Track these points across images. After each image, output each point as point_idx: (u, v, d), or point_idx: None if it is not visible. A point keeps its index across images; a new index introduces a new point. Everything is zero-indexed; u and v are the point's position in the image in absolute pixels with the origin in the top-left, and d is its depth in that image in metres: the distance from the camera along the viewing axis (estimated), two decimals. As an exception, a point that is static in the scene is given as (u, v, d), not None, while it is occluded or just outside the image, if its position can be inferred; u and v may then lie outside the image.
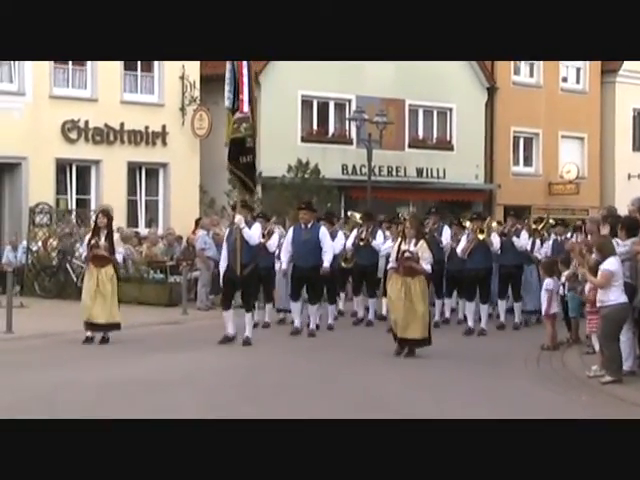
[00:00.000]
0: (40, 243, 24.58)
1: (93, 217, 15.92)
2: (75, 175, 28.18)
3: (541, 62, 37.62)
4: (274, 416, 9.31)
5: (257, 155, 29.67)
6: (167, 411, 9.74)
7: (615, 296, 12.07)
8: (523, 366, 13.87)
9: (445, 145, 35.45)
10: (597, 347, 13.09)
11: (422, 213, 24.24)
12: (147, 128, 28.81)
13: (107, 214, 15.89)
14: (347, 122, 32.64)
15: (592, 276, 12.38)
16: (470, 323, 17.42)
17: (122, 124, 28.33)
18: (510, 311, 18.64)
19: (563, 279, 15.60)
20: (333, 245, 17.55)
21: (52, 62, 27.17)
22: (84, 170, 28.34)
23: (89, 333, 15.37)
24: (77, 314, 15.93)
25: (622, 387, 11.77)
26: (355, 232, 19.18)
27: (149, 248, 24.59)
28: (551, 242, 18.85)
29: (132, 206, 29.13)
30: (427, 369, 13.46)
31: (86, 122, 27.74)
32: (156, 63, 29.10)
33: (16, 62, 26.75)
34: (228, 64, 15.29)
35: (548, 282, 15.88)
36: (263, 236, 17.70)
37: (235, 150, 15.46)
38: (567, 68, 38.97)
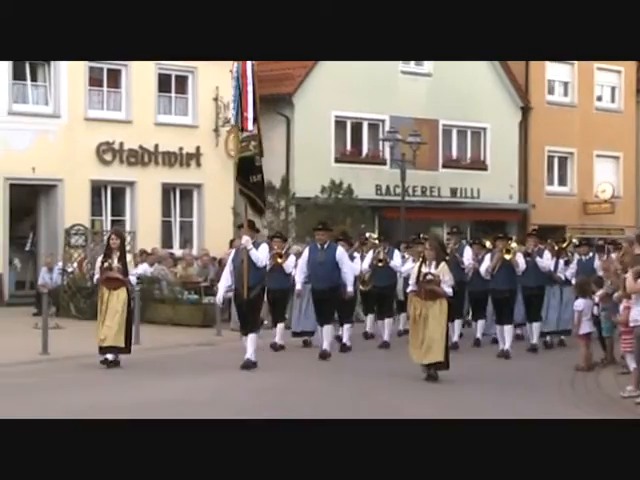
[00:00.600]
0: (75, 264, 24.75)
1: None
2: (110, 196, 28.42)
3: (575, 81, 37.55)
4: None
5: (291, 176, 30.50)
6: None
7: (650, 315, 12.02)
8: (557, 387, 13.78)
9: (479, 165, 35.37)
10: (632, 367, 13.00)
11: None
12: (181, 149, 29.01)
13: (120, 235, 15.71)
14: (380, 142, 32.64)
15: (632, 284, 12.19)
16: (505, 346, 17.08)
17: (156, 145, 28.53)
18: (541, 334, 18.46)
19: (596, 299, 15.50)
20: (352, 266, 17.23)
21: (87, 84, 27.49)
22: (119, 191, 28.56)
23: (108, 356, 15.10)
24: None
25: (657, 408, 11.69)
26: (371, 253, 18.89)
27: (184, 269, 24.66)
28: (575, 262, 18.72)
29: (166, 227, 29.32)
30: (459, 392, 13.38)
31: (121, 144, 27.98)
32: (190, 85, 29.35)
33: (52, 85, 27.06)
34: (233, 81, 15.06)
35: (578, 303, 15.76)
36: (280, 256, 17.58)
37: (245, 169, 15.17)
38: (602, 87, 38.82)
